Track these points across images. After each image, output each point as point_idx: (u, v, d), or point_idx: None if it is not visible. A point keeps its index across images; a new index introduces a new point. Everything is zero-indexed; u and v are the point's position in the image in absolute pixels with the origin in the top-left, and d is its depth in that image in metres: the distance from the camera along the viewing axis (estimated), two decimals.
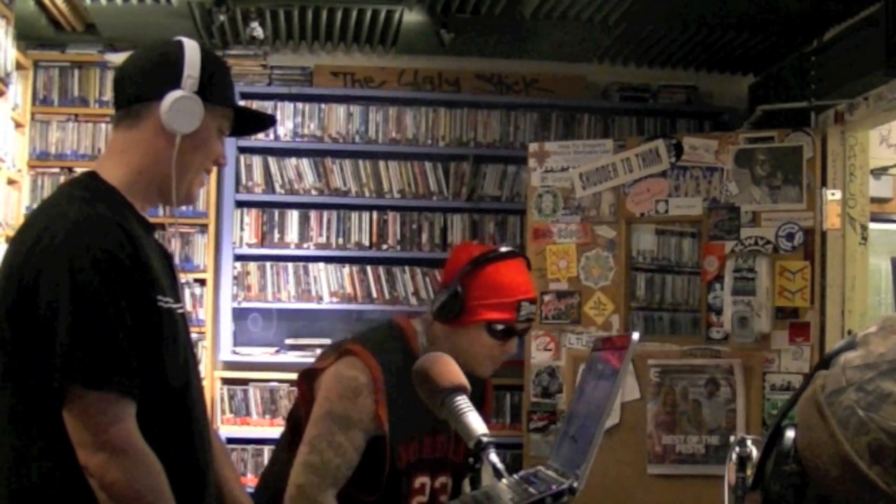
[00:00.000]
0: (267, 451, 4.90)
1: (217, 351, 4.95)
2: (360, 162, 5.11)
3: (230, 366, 4.97)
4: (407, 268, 5.09)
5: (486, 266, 2.16)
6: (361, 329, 2.36)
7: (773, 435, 1.04)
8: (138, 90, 1.75)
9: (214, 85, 1.76)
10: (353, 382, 2.08)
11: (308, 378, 2.18)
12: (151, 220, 1.79)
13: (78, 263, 1.57)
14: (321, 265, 5.05)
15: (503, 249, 2.22)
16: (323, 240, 5.08)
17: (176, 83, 1.71)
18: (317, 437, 2.08)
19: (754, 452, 1.38)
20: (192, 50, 1.74)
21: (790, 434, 1.01)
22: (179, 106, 1.70)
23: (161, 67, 1.74)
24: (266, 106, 5.00)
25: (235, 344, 5.02)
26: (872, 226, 4.50)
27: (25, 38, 4.79)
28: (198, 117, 1.72)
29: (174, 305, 1.71)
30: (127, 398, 1.58)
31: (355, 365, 2.11)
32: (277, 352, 5.02)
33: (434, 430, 2.18)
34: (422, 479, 2.21)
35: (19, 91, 4.76)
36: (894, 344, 0.92)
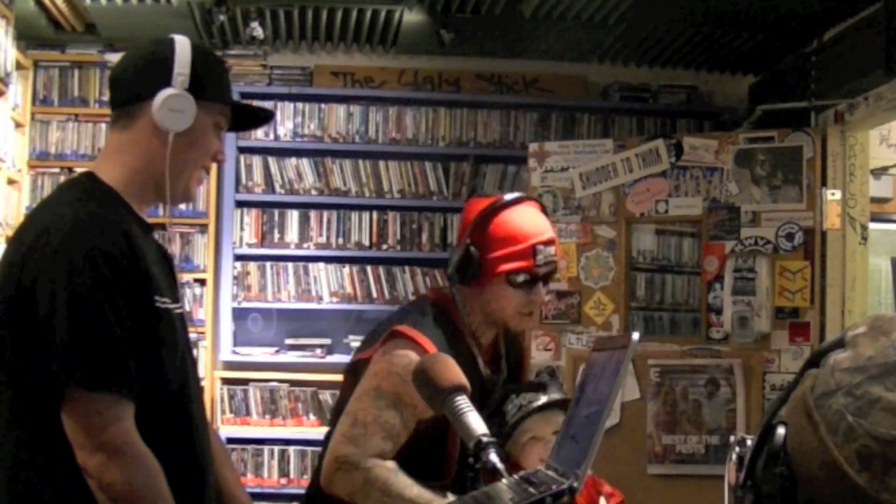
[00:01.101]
0: (267, 452, 4.90)
1: (217, 351, 4.95)
2: (360, 162, 5.11)
3: (230, 366, 4.97)
4: (407, 268, 5.09)
5: (494, 217, 2.07)
6: (396, 310, 2.25)
7: (763, 433, 1.04)
8: (131, 90, 1.75)
9: (207, 81, 1.74)
10: (403, 360, 1.98)
11: (354, 370, 2.11)
12: (151, 220, 1.79)
13: (76, 264, 1.57)
14: (321, 265, 5.05)
15: (509, 196, 2.10)
16: (323, 240, 5.08)
17: (167, 81, 1.70)
18: (361, 410, 1.99)
19: None
20: (182, 47, 1.73)
21: (781, 432, 1.01)
22: (170, 104, 1.70)
23: (152, 66, 1.73)
24: (266, 106, 4.99)
25: (235, 344, 5.02)
26: (872, 226, 4.50)
27: (25, 38, 4.79)
28: (190, 115, 1.71)
29: (172, 306, 1.71)
30: (125, 399, 1.58)
31: (405, 345, 2.01)
32: (277, 352, 5.02)
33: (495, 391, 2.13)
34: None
35: (19, 91, 4.77)
36: (882, 347, 0.92)
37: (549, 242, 2.09)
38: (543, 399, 2.09)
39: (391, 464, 1.97)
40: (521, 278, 2.07)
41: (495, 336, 2.21)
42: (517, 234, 2.06)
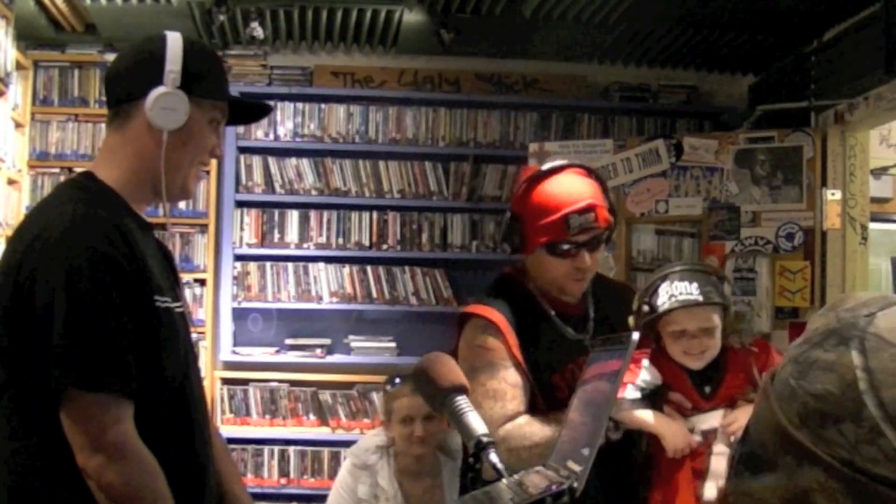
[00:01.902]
0: (267, 452, 4.90)
1: (217, 351, 4.95)
2: (360, 162, 5.11)
3: (230, 366, 4.97)
4: (407, 268, 5.08)
5: (532, 188, 2.10)
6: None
7: (745, 430, 1.08)
8: (124, 89, 1.74)
9: (199, 78, 1.74)
10: (476, 331, 2.09)
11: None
12: (151, 220, 1.79)
13: (74, 264, 1.56)
14: (321, 265, 5.05)
15: (549, 165, 2.13)
16: (323, 240, 5.08)
17: (159, 80, 1.69)
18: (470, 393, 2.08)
19: None
20: (174, 44, 1.72)
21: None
22: (163, 102, 1.69)
23: (143, 64, 1.72)
24: None
25: (235, 344, 5.02)
26: (872, 226, 4.50)
27: (25, 38, 4.79)
28: (183, 113, 1.70)
29: (172, 304, 1.70)
30: (123, 399, 1.58)
31: (473, 321, 2.12)
32: (277, 352, 5.02)
33: (586, 349, 2.17)
34: None
35: (19, 91, 4.77)
36: (828, 319, 0.96)
37: (584, 210, 2.07)
38: (697, 297, 2.11)
39: (522, 419, 2.04)
40: (561, 247, 2.08)
41: (584, 296, 2.24)
42: (550, 205, 2.07)
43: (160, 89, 1.69)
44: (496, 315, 2.09)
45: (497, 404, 2.04)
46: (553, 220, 2.06)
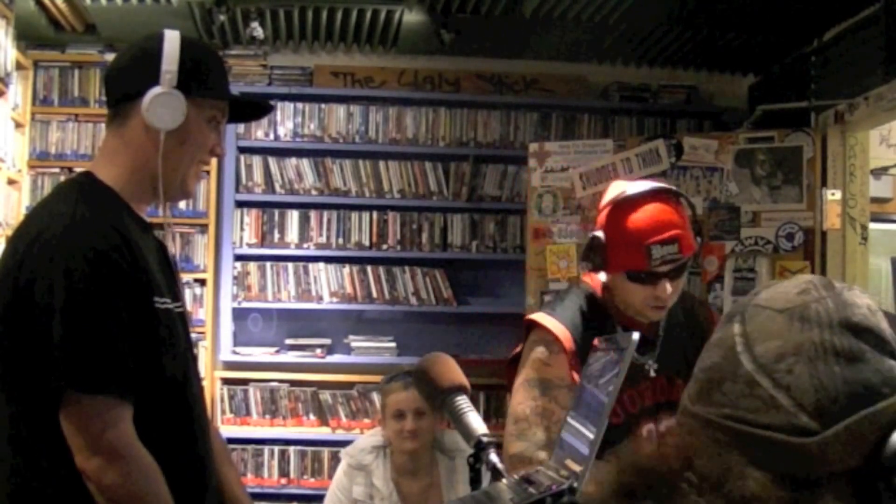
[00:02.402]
0: (267, 452, 4.90)
1: (217, 351, 4.95)
2: (360, 162, 5.11)
3: (230, 366, 4.97)
4: (407, 268, 5.08)
5: (616, 212, 2.08)
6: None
7: None
8: (122, 89, 1.74)
9: (197, 77, 1.73)
10: (540, 345, 2.10)
11: (513, 364, 2.19)
12: (151, 220, 1.79)
13: (72, 265, 1.56)
14: (321, 265, 5.05)
15: (632, 191, 2.09)
16: (323, 240, 5.08)
17: (155, 79, 1.69)
18: (519, 404, 2.08)
19: None
20: (171, 43, 1.71)
21: None
22: (159, 102, 1.68)
23: (140, 64, 1.72)
24: None
25: (235, 344, 5.01)
26: (872, 226, 4.50)
27: (25, 38, 4.79)
28: (180, 112, 1.70)
29: (172, 305, 1.70)
30: (123, 401, 1.58)
31: (537, 333, 2.12)
32: (277, 352, 5.02)
33: (648, 375, 2.15)
34: (647, 427, 2.12)
35: (19, 91, 4.76)
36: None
37: (668, 241, 2.04)
38: None
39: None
40: (641, 275, 2.07)
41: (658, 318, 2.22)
42: (633, 233, 2.06)
43: (156, 89, 1.68)
44: (562, 331, 2.09)
45: (543, 426, 2.05)
46: (634, 250, 2.05)
